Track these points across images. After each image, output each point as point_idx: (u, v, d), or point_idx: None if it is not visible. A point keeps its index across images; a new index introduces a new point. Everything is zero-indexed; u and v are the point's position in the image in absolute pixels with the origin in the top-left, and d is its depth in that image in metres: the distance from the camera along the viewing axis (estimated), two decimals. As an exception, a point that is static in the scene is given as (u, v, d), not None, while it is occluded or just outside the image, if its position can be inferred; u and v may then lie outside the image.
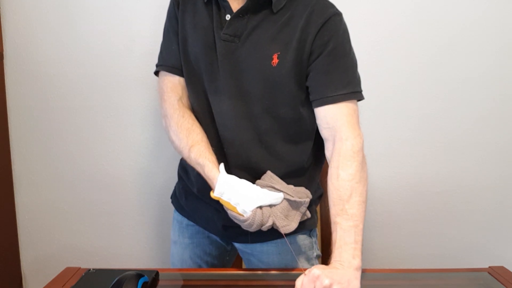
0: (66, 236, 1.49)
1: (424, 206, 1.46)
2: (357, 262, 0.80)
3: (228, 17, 0.93)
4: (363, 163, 0.89)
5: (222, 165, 0.91)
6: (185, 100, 1.01)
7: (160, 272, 0.93)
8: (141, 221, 1.48)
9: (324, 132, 0.93)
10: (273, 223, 0.86)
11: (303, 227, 1.00)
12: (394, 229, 1.48)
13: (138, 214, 1.48)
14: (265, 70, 0.91)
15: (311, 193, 0.95)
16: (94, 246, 1.50)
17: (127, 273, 0.85)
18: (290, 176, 0.95)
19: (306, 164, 0.99)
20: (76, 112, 1.41)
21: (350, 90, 0.90)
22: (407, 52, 1.35)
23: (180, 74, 1.00)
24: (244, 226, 0.87)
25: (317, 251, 1.05)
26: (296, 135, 0.96)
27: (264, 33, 0.91)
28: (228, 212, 0.88)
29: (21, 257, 1.51)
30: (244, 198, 0.86)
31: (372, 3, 1.33)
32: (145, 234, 1.49)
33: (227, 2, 0.93)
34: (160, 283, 0.91)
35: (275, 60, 0.90)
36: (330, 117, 0.90)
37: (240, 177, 0.90)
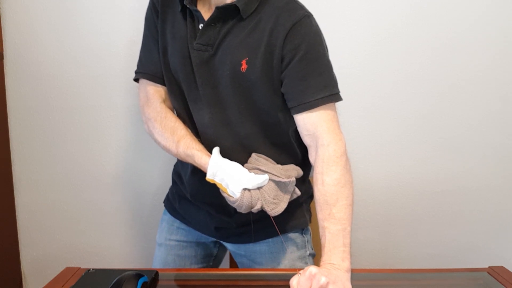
0: (66, 236, 1.49)
1: (424, 206, 1.46)
2: (347, 264, 0.81)
3: (201, 26, 0.93)
4: (346, 166, 0.89)
5: (216, 148, 0.92)
6: (168, 103, 1.03)
7: (159, 272, 0.93)
8: (141, 221, 1.48)
9: (306, 139, 0.93)
10: (262, 207, 0.86)
11: (295, 225, 1.03)
12: (393, 229, 1.48)
13: (138, 214, 1.48)
14: (235, 76, 0.91)
15: (302, 193, 0.96)
16: (94, 246, 1.50)
17: (126, 273, 0.85)
18: None
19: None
20: (76, 112, 1.41)
21: (328, 93, 0.89)
22: (406, 52, 1.35)
23: (161, 82, 1.02)
24: (235, 206, 0.88)
25: (310, 250, 1.05)
26: (277, 139, 0.97)
27: (234, 40, 0.91)
28: (222, 194, 0.89)
29: (21, 257, 1.51)
30: (233, 180, 0.87)
31: (370, 2, 1.33)
32: (145, 234, 1.49)
33: (199, 12, 0.93)
34: (160, 283, 0.91)
35: (244, 66, 0.90)
36: (310, 124, 0.90)
37: None
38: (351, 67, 1.36)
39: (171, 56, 0.97)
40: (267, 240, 1.02)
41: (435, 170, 1.43)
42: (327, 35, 1.33)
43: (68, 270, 0.97)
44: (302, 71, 0.89)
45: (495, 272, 0.93)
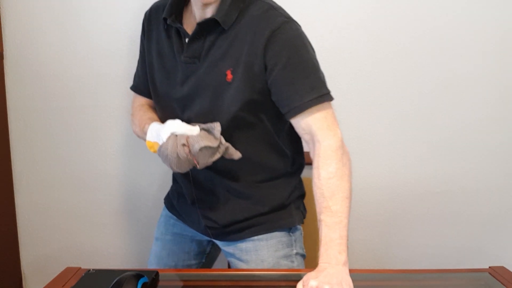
0: (66, 236, 1.49)
1: (424, 206, 1.45)
2: (343, 257, 0.81)
3: (186, 40, 0.96)
4: (343, 159, 0.90)
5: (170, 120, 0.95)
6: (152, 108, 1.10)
7: (160, 273, 0.93)
8: (142, 222, 1.48)
9: (304, 137, 0.94)
10: (203, 147, 0.86)
11: (281, 225, 1.04)
12: (393, 229, 1.48)
13: (139, 214, 1.48)
14: (221, 86, 0.93)
15: (286, 194, 1.02)
16: (94, 246, 1.50)
17: (127, 273, 0.85)
18: (264, 180, 1.01)
19: (279, 167, 1.02)
20: (77, 112, 1.41)
21: (316, 95, 0.90)
22: (405, 52, 1.35)
23: (144, 95, 1.11)
24: (161, 156, 0.90)
25: (298, 249, 1.05)
26: (263, 139, 0.99)
27: (218, 51, 0.93)
28: (158, 153, 0.91)
29: (21, 257, 1.51)
30: (164, 129, 0.91)
31: (369, 1, 1.33)
32: (145, 235, 1.49)
33: (183, 28, 0.96)
34: (160, 283, 0.91)
35: (229, 76, 0.92)
36: (304, 124, 0.91)
37: (218, 182, 0.98)
38: (350, 67, 1.36)
39: (157, 71, 1.02)
40: (252, 238, 1.03)
41: (435, 170, 1.43)
42: (325, 34, 1.34)
43: (68, 270, 0.97)
44: (287, 78, 0.90)
45: (496, 273, 0.93)
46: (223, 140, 0.89)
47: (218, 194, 1.02)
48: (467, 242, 1.47)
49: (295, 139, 1.04)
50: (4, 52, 1.38)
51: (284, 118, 0.94)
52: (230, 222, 1.02)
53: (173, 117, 0.98)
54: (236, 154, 0.92)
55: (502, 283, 0.89)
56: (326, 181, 0.87)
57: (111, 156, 1.44)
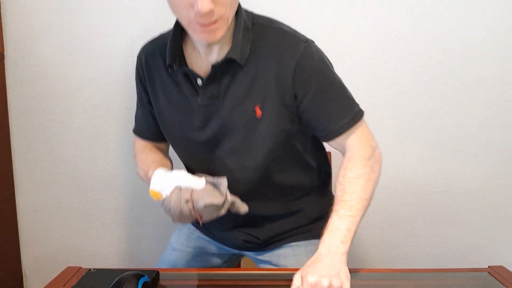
0: (67, 235, 1.50)
1: (424, 206, 1.46)
2: (345, 247, 0.79)
3: (199, 82, 0.91)
4: (374, 166, 0.89)
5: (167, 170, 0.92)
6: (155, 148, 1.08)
7: (160, 272, 0.93)
8: (142, 221, 1.48)
9: (337, 149, 0.94)
10: (206, 204, 0.83)
11: (321, 233, 1.02)
12: (394, 229, 1.48)
13: (139, 214, 1.48)
14: (251, 123, 0.90)
15: (324, 206, 0.98)
16: (95, 246, 1.50)
17: (127, 273, 0.86)
18: (298, 197, 1.00)
19: (307, 182, 1.01)
20: (77, 112, 1.42)
21: (350, 116, 0.89)
22: (406, 53, 1.35)
23: (147, 138, 1.08)
24: (164, 209, 0.86)
25: None
26: (292, 160, 0.97)
27: (239, 88, 0.89)
28: (161, 206, 0.88)
29: (22, 257, 1.51)
30: (169, 180, 0.87)
31: (373, 4, 1.33)
32: (146, 234, 1.49)
33: (192, 70, 0.91)
34: (161, 283, 0.92)
35: (259, 112, 0.89)
36: (340, 142, 0.91)
37: (255, 209, 0.93)
38: (350, 67, 1.36)
39: (170, 119, 0.97)
40: (291, 244, 1.03)
41: (435, 170, 1.43)
42: (328, 36, 1.34)
43: (69, 269, 0.98)
44: (319, 103, 0.89)
45: (495, 272, 0.93)
46: (228, 196, 0.86)
47: (257, 218, 1.01)
48: (467, 242, 1.47)
49: (317, 147, 1.03)
50: (4, 53, 1.38)
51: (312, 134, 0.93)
52: (272, 236, 1.02)
53: (201, 158, 0.96)
54: (243, 208, 0.89)
55: (501, 282, 0.89)
56: (351, 180, 0.86)
57: (111, 156, 1.44)
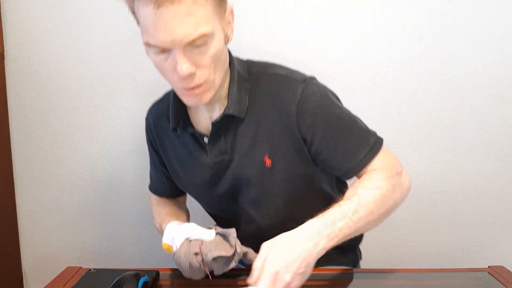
0: (67, 235, 1.50)
1: (423, 206, 1.46)
2: (327, 244, 0.73)
3: (206, 140, 0.91)
4: (396, 187, 0.83)
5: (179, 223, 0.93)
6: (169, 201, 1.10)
7: (160, 272, 0.93)
8: (142, 221, 1.48)
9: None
10: (215, 257, 0.82)
11: (346, 262, 1.03)
12: (394, 229, 1.48)
13: (139, 214, 1.48)
14: (263, 174, 0.89)
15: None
16: (95, 245, 1.50)
17: (127, 273, 0.86)
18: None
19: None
20: (77, 112, 1.41)
21: (366, 149, 0.85)
22: (406, 53, 1.35)
23: (162, 195, 1.11)
24: (175, 263, 0.86)
25: None
26: (310, 197, 0.95)
27: (245, 140, 0.88)
28: (172, 259, 0.87)
29: (21, 257, 1.51)
30: (180, 232, 0.87)
31: (373, 3, 1.33)
32: (146, 234, 1.49)
33: (196, 130, 0.92)
34: (161, 283, 0.92)
35: (268, 162, 0.87)
36: (362, 174, 0.87)
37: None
38: (350, 68, 1.36)
39: (185, 178, 0.99)
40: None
41: (435, 170, 1.43)
42: (328, 35, 1.34)
43: (69, 269, 0.98)
44: (331, 143, 0.86)
45: (495, 272, 0.93)
46: (238, 248, 0.85)
47: None
48: (467, 242, 1.47)
49: (342, 181, 1.02)
50: (4, 52, 1.38)
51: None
52: None
53: (223, 210, 0.96)
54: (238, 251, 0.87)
55: (501, 282, 0.89)
56: (366, 186, 0.80)
57: (112, 156, 1.44)
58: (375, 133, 0.89)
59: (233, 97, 0.86)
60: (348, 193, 0.82)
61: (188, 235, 0.85)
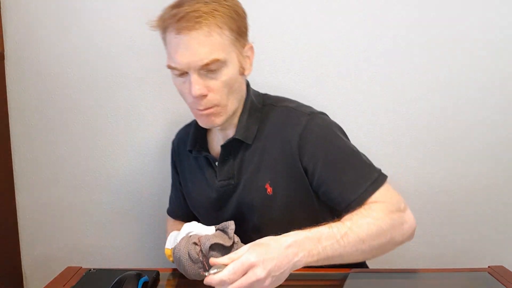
0: (67, 235, 1.49)
1: (423, 206, 1.46)
2: (306, 260, 0.72)
3: (217, 163, 0.97)
4: (396, 224, 0.81)
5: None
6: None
7: (160, 272, 0.93)
8: (142, 221, 1.48)
9: None
10: (214, 244, 0.83)
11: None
12: (394, 229, 1.48)
13: (139, 214, 1.48)
14: (264, 201, 0.91)
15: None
16: (95, 246, 1.50)
17: (127, 273, 0.86)
18: None
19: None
20: (77, 112, 1.41)
21: (368, 182, 0.84)
22: (406, 53, 1.35)
23: (179, 218, 1.17)
24: (175, 259, 0.86)
25: None
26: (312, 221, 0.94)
27: (250, 166, 0.92)
28: (173, 256, 0.88)
29: (21, 257, 1.51)
30: (180, 235, 0.89)
31: (375, 4, 1.33)
32: (146, 234, 1.49)
33: (209, 154, 0.99)
34: (161, 283, 0.92)
35: (269, 189, 0.90)
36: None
37: None
38: (350, 68, 1.36)
39: (197, 200, 1.04)
40: None
41: (434, 170, 1.43)
42: (328, 36, 1.34)
43: (69, 269, 0.98)
44: (332, 175, 0.86)
45: (495, 272, 0.94)
46: (236, 239, 0.86)
47: None
48: (467, 242, 1.47)
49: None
50: (4, 52, 1.38)
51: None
52: None
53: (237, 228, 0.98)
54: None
55: (501, 282, 0.89)
56: (363, 215, 0.79)
57: (111, 156, 1.44)
58: (379, 170, 0.89)
59: (242, 123, 0.92)
60: (343, 218, 0.82)
61: (189, 230, 0.88)
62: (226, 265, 0.70)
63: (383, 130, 1.41)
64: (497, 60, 1.35)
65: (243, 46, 0.89)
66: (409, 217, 0.85)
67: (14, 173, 1.46)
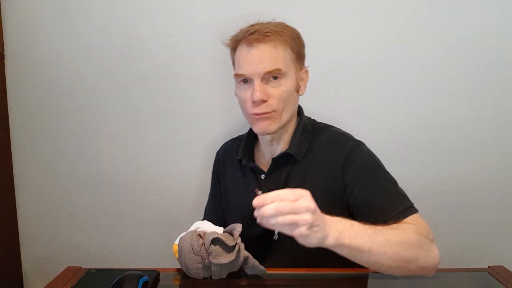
0: (67, 235, 1.50)
1: (424, 206, 1.44)
2: (341, 240, 0.74)
3: (263, 176, 1.04)
4: (423, 244, 0.82)
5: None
6: None
7: (160, 272, 0.93)
8: (142, 221, 1.48)
9: None
10: (214, 238, 0.85)
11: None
12: (394, 228, 1.48)
13: (139, 214, 1.48)
14: None
15: None
16: (95, 245, 1.50)
17: (127, 273, 0.86)
18: None
19: None
20: (77, 112, 1.42)
21: (401, 208, 0.89)
22: (407, 54, 1.35)
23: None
24: (178, 251, 0.88)
25: None
26: None
27: (294, 181, 0.99)
28: (177, 249, 0.90)
29: (22, 257, 1.51)
30: (190, 229, 0.94)
31: (374, 5, 1.33)
32: (146, 234, 1.49)
33: (257, 166, 1.05)
34: (161, 283, 0.92)
35: None
36: None
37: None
38: (350, 69, 1.36)
39: (236, 209, 1.10)
40: None
41: (435, 170, 1.42)
42: (328, 36, 1.34)
43: (69, 269, 0.98)
44: (369, 197, 0.92)
45: (495, 272, 0.94)
46: (239, 240, 0.89)
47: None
48: (467, 242, 1.47)
49: None
50: (4, 52, 1.38)
51: None
52: None
53: (260, 240, 1.01)
54: (259, 269, 0.91)
55: (501, 282, 0.89)
56: (391, 228, 0.82)
57: (112, 156, 1.44)
58: (412, 203, 0.94)
59: (295, 139, 1.01)
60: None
61: (197, 226, 0.93)
62: None
63: (383, 130, 1.41)
64: (498, 62, 1.35)
65: (300, 68, 1.01)
66: (435, 249, 0.86)
67: (14, 173, 1.46)
